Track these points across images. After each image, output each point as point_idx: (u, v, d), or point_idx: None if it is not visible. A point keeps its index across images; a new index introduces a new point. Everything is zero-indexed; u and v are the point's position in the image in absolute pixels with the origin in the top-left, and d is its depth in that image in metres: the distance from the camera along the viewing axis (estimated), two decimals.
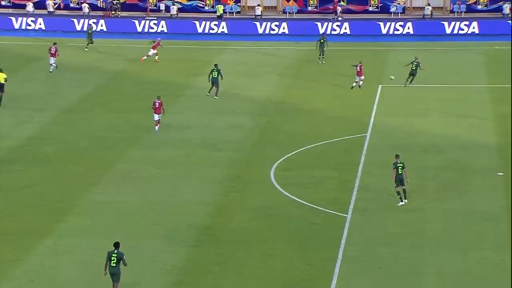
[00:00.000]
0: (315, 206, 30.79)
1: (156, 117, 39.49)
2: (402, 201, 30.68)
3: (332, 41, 59.06)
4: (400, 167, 30.67)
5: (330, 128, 40.15)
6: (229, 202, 31.54)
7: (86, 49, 57.41)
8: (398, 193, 30.76)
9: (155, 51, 54.03)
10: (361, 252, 27.20)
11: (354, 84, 46.57)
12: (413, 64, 46.75)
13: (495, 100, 44.48)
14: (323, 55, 53.55)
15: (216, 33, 63.93)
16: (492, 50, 56.69)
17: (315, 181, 33.36)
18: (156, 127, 39.54)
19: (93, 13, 69.73)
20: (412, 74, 46.82)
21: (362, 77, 46.40)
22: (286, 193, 32.11)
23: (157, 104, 39.38)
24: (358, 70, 46.36)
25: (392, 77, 46.23)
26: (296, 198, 31.59)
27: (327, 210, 30.47)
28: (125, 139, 39.09)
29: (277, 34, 63.36)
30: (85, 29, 63.54)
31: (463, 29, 62.50)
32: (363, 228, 29.06)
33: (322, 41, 53.88)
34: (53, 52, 51.31)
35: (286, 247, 27.59)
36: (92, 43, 57.76)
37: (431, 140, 38.12)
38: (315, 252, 27.15)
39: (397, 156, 31.18)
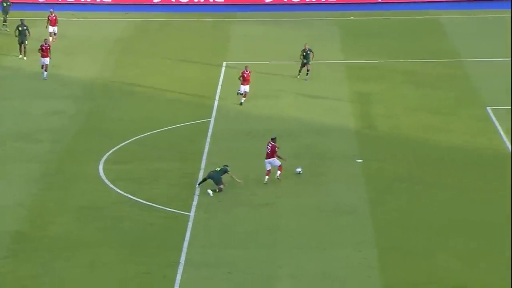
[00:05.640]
0: (153, 204, 30.73)
1: (45, 61, 44.09)
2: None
3: (166, 12, 58.82)
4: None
5: (168, 113, 40.07)
6: (49, 202, 31.08)
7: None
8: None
9: None
10: (207, 256, 27.34)
11: (243, 99, 41.34)
12: (303, 52, 45.13)
13: (351, 78, 45.80)
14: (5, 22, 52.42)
15: (29, 3, 62.04)
16: (347, 21, 58.27)
17: (152, 175, 33.31)
18: (45, 74, 44.07)
19: None
20: (305, 64, 44.89)
21: (248, 87, 41.27)
22: (118, 190, 31.91)
23: (44, 48, 44.08)
24: (245, 76, 41.09)
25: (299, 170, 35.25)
26: (130, 196, 31.44)
27: (167, 209, 30.46)
28: None
29: (101, 3, 62.35)
30: None
31: None
32: (209, 228, 29.25)
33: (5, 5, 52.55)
34: None
35: (118, 253, 27.40)
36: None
37: (283, 125, 38.78)
38: (154, 258, 27.10)
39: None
